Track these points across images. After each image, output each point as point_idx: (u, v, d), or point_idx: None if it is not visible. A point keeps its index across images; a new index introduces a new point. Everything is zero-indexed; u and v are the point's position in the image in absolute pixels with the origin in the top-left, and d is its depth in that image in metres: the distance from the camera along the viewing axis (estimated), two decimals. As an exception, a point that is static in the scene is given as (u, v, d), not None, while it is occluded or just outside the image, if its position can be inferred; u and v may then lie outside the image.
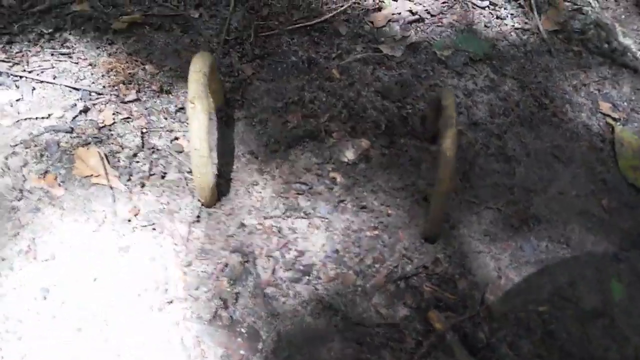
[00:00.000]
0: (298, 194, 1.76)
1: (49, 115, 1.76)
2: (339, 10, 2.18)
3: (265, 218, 1.70)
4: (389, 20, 2.21)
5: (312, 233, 1.70)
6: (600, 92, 2.22)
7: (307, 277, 1.63)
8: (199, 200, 1.68)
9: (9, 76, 1.82)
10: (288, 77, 2.01)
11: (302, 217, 1.72)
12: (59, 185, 1.66)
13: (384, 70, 2.09)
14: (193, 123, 1.50)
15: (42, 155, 1.70)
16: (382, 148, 1.89)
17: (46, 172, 1.68)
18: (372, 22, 2.20)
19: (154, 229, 1.62)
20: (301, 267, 1.64)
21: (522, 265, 1.79)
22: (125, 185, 1.68)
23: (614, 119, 2.15)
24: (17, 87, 1.81)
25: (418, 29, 2.23)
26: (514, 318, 1.69)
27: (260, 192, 1.75)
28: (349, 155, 1.83)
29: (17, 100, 1.79)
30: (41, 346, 1.42)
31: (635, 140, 2.11)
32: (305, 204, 1.74)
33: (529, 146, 2.03)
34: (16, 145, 1.69)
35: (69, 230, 1.59)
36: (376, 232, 1.75)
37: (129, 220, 1.62)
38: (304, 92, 1.97)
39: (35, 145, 1.71)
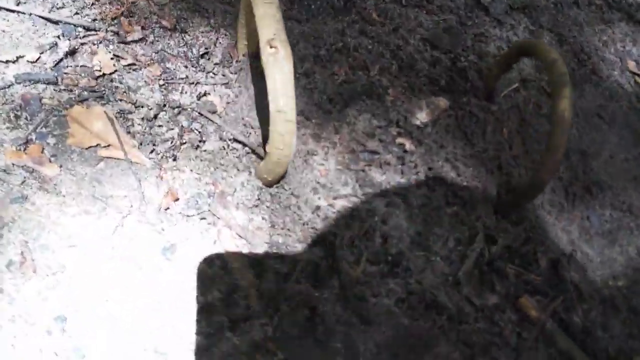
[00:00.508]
0: (367, 165, 1.40)
1: (17, 58, 1.21)
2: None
3: (335, 198, 1.33)
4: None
5: (392, 214, 1.37)
6: (624, 49, 2.10)
7: (397, 270, 1.30)
8: (257, 178, 1.26)
9: (-57, -2, 1.22)
10: (324, 18, 1.60)
11: (379, 195, 1.37)
12: (50, 160, 1.14)
13: (425, 15, 1.77)
14: (275, 75, 1.08)
15: (17, 117, 1.16)
16: (445, 109, 1.59)
17: (27, 142, 1.14)
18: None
19: (202, 218, 1.17)
20: (389, 258, 1.31)
21: (592, 238, 1.62)
22: (150, 158, 1.20)
23: (643, 77, 2.05)
24: (-41, 14, 1.21)
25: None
26: (598, 296, 1.51)
27: (323, 164, 1.37)
28: (422, 116, 1.50)
29: (-39, 35, 1.20)
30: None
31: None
32: (380, 177, 1.39)
33: (576, 106, 1.84)
34: (-27, 101, 1.13)
35: (78, 227, 1.10)
36: (455, 208, 1.46)
37: (167, 209, 1.16)
38: (345, 37, 1.59)
39: (4, 103, 1.16)
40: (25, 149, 1.13)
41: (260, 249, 1.19)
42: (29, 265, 1.04)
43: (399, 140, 1.48)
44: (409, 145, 1.47)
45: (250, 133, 1.35)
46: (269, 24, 1.10)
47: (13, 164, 1.11)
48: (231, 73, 1.39)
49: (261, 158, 1.31)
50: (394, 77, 1.59)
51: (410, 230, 1.36)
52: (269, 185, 1.26)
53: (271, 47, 1.08)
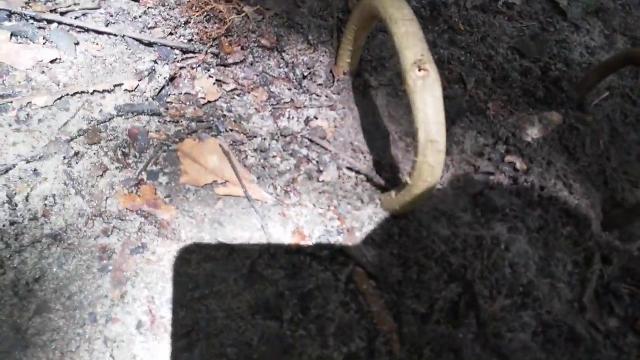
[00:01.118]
0: (485, 187, 1.30)
1: (115, 87, 1.08)
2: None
3: (457, 226, 1.22)
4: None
5: (516, 240, 1.27)
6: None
7: (527, 301, 1.20)
8: (384, 209, 1.14)
9: (29, 21, 1.08)
10: (412, 29, 1.50)
11: (499, 220, 1.27)
12: (165, 202, 1.02)
13: (508, 22, 1.68)
14: (427, 101, 0.97)
15: (125, 156, 1.03)
16: (548, 124, 1.49)
17: (139, 183, 1.02)
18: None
19: (333, 257, 1.06)
20: (521, 289, 1.21)
21: None
22: (270, 194, 1.08)
23: None
24: (48, 40, 1.08)
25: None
26: None
27: (440, 188, 1.26)
28: (534, 133, 1.40)
29: (52, 62, 1.07)
30: None
31: None
32: (500, 201, 1.29)
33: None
34: (72, 139, 1.00)
35: (205, 277, 0.97)
36: (569, 228, 1.37)
37: (298, 249, 1.04)
38: (437, 47, 1.49)
39: (109, 140, 1.03)
40: (137, 192, 1.00)
41: (394, 288, 1.08)
42: (159, 325, 0.91)
43: (509, 158, 1.38)
44: (519, 164, 1.38)
45: (361, 159, 1.24)
46: (414, 44, 0.99)
47: (127, 209, 0.98)
48: (334, 94, 1.28)
49: (376, 186, 1.20)
50: (490, 90, 1.49)
51: (535, 257, 1.27)
52: (397, 216, 1.15)
53: (420, 69, 0.97)
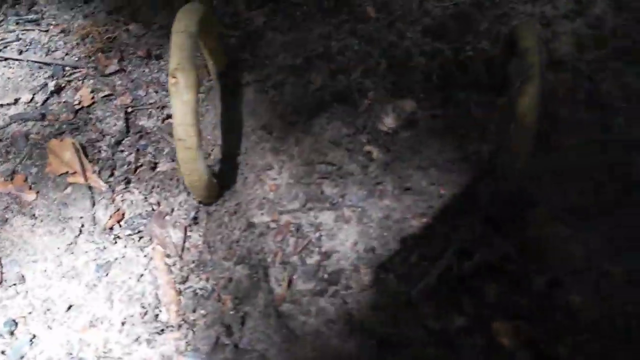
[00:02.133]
0: (322, 177, 1.37)
1: (16, 100, 1.45)
2: None
3: (281, 213, 1.34)
4: None
5: (341, 228, 1.32)
6: None
7: (334, 288, 1.26)
8: (194, 198, 1.33)
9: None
10: (310, 24, 1.58)
11: (328, 209, 1.34)
12: (30, 188, 1.37)
13: (435, 1, 1.61)
14: (176, 104, 1.14)
15: (8, 152, 1.40)
16: (433, 108, 1.45)
17: (14, 172, 1.38)
18: None
19: (141, 237, 1.30)
20: (326, 275, 1.27)
21: (623, 251, 1.33)
22: (107, 183, 1.36)
23: None
24: (-21, 67, 1.50)
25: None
26: (607, 324, 1.26)
27: (275, 179, 1.38)
28: (388, 121, 1.40)
29: (-23, 84, 1.48)
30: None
31: None
32: (332, 190, 1.36)
33: (630, 87, 1.51)
34: (-21, 140, 1.41)
35: (42, 245, 1.30)
36: (425, 219, 1.35)
37: (111, 229, 1.31)
38: (330, 40, 1.54)
39: (1, 140, 1.41)
40: (12, 179, 1.37)
41: (189, 267, 1.27)
42: (-1, 277, 1.27)
43: (367, 148, 1.40)
44: (376, 154, 1.39)
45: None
46: (174, 54, 1.16)
47: (2, 192, 1.36)
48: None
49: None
50: (380, 77, 1.50)
51: (359, 246, 1.30)
52: (207, 204, 1.32)
53: (172, 77, 1.14)
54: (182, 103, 1.14)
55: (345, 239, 1.31)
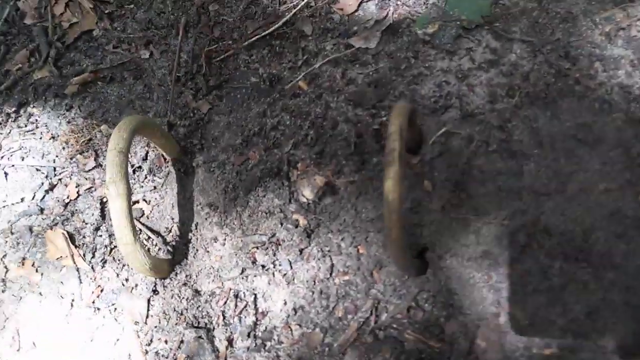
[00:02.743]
0: (256, 247, 1.62)
1: (22, 199, 1.81)
2: (300, 6, 1.88)
3: (223, 281, 1.60)
4: (362, 1, 1.86)
5: (273, 291, 1.57)
6: (646, 33, 1.67)
7: (269, 343, 1.52)
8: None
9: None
10: (249, 104, 1.81)
11: (262, 274, 1.59)
12: (36, 271, 1.72)
13: (358, 69, 1.79)
14: (112, 210, 1.43)
15: (18, 243, 1.77)
16: (351, 174, 1.64)
17: (24, 259, 1.74)
18: (341, 9, 1.87)
19: (115, 308, 1.62)
20: (260, 333, 1.53)
21: (528, 296, 1.47)
22: (89, 263, 1.69)
23: (667, 69, 1.62)
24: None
25: (398, 3, 1.84)
26: (510, 367, 1.42)
27: (219, 250, 1.64)
28: (307, 194, 1.62)
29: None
30: None
31: (701, 93, 1.57)
32: (264, 258, 1.60)
33: (541, 132, 1.61)
34: (-1, 235, 1.78)
35: (46, 317, 1.65)
36: (346, 277, 1.56)
37: (93, 302, 1.63)
38: (265, 118, 1.77)
39: (12, 233, 1.78)
40: (22, 264, 1.74)
41: (152, 332, 1.57)
42: (16, 345, 1.64)
43: (295, 217, 1.63)
44: (302, 221, 1.62)
45: (173, 226, 1.71)
46: (108, 169, 1.44)
47: (16, 276, 1.73)
48: (159, 178, 1.76)
49: (168, 245, 1.67)
50: (310, 147, 1.71)
51: (288, 305, 1.54)
52: (162, 278, 1.61)
53: (107, 188, 1.43)
54: (116, 209, 1.42)
55: (277, 300, 1.56)
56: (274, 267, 1.59)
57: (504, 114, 1.65)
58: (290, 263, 1.59)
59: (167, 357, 1.54)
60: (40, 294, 1.69)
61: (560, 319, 1.44)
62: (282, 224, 1.63)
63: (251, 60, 1.87)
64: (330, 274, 1.57)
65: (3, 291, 1.71)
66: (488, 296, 1.49)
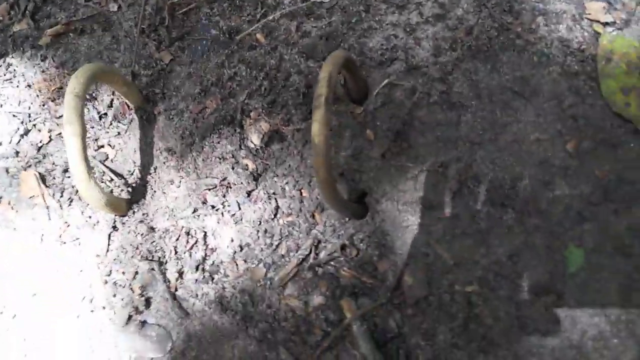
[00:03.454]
0: (208, 189, 1.73)
1: (0, 143, 1.95)
2: (261, -41, 1.95)
3: (177, 219, 1.73)
4: (321, -45, 1.92)
5: (222, 229, 1.69)
6: (589, -12, 1.70)
7: (216, 276, 1.65)
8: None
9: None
10: (208, 55, 1.90)
11: (212, 214, 1.71)
12: (12, 208, 1.87)
13: (312, 22, 1.86)
14: (67, 149, 1.54)
15: (-7, 185, 1.91)
16: (299, 122, 1.74)
17: (1, 197, 1.89)
18: (301, -37, 1.93)
19: (79, 243, 1.76)
20: (208, 267, 1.66)
21: (456, 238, 1.57)
22: (58, 202, 1.82)
23: (605, 24, 1.65)
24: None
25: (356, -44, 1.90)
26: (435, 302, 1.52)
27: (175, 192, 1.76)
28: (255, 140, 1.72)
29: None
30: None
31: (635, 48, 1.61)
32: (214, 199, 1.72)
33: (480, 85, 1.68)
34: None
35: (19, 250, 1.81)
36: (290, 218, 1.67)
37: (60, 236, 1.78)
38: (223, 69, 1.86)
39: (-12, 176, 1.92)
40: (0, 203, 1.89)
41: (111, 264, 1.71)
42: (-6, 275, 1.80)
43: (245, 162, 1.73)
44: (251, 166, 1.72)
45: (134, 169, 1.83)
46: (65, 111, 1.54)
47: (-9, 213, 1.88)
48: (123, 125, 1.87)
49: (128, 186, 1.79)
50: (263, 97, 1.80)
51: (235, 242, 1.66)
52: (120, 216, 1.74)
53: (64, 128, 1.54)
54: (71, 147, 1.54)
55: (225, 237, 1.68)
56: (223, 208, 1.70)
57: (446, 66, 1.72)
58: (239, 204, 1.70)
59: (124, 287, 1.68)
60: (15, 229, 1.84)
61: (484, 259, 1.53)
62: (233, 168, 1.74)
63: (212, 13, 1.96)
64: (275, 215, 1.68)
65: (-19, 223, 1.86)
66: (420, 238, 1.59)
